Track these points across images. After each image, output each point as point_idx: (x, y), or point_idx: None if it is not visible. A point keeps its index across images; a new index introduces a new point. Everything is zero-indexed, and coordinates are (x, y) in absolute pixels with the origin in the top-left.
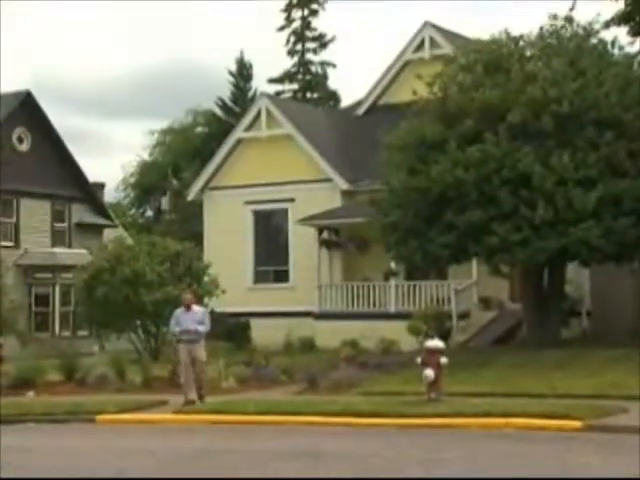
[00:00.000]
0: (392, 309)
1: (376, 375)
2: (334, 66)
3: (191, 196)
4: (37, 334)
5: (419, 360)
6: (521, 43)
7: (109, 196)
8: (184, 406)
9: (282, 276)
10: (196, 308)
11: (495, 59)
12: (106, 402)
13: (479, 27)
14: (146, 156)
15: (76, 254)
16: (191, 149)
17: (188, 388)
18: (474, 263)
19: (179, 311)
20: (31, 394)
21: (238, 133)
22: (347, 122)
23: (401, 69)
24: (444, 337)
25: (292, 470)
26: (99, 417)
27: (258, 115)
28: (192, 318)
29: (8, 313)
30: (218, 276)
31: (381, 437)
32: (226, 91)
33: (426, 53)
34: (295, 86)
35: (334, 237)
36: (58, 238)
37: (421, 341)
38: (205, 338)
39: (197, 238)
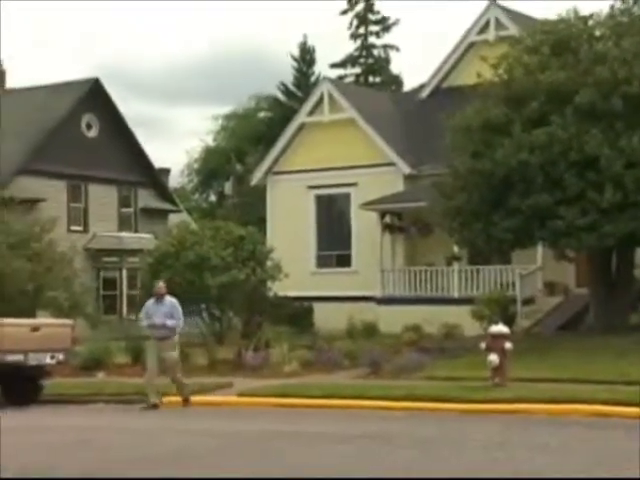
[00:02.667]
0: (455, 294)
1: (439, 360)
2: (397, 49)
3: (254, 181)
4: (105, 317)
5: (483, 345)
6: (590, 22)
7: (174, 181)
8: (144, 409)
9: (345, 260)
10: (167, 299)
11: (563, 39)
12: (172, 384)
13: (546, 7)
14: (210, 141)
15: (142, 238)
16: (254, 134)
17: (150, 390)
18: (539, 247)
19: (150, 302)
20: (101, 375)
21: (301, 118)
22: (410, 106)
23: (465, 51)
24: (508, 322)
25: (356, 452)
26: (166, 399)
27: (321, 100)
28: (161, 311)
29: (78, 296)
30: (281, 260)
31: (444, 422)
32: (289, 76)
33: (491, 35)
34: (357, 70)
35: (397, 221)
36: (125, 223)
37: (485, 326)
38: (178, 333)
39: (260, 223)
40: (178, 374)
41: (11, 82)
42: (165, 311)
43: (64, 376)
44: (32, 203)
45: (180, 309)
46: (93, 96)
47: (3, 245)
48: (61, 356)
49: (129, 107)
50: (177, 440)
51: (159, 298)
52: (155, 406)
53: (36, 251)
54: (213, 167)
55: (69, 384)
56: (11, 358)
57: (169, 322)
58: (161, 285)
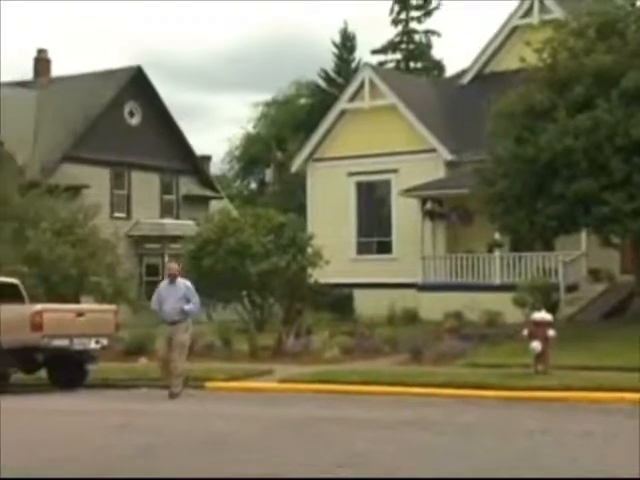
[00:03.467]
0: (497, 281)
1: (481, 347)
2: (438, 35)
3: (295, 168)
4: (147, 303)
5: (525, 332)
6: (638, 4)
7: (215, 168)
8: (170, 396)
9: (385, 247)
10: (180, 282)
11: (609, 22)
12: (214, 370)
13: None
14: (251, 128)
15: (184, 225)
16: (295, 121)
17: (166, 376)
18: (583, 234)
19: (162, 285)
20: (143, 360)
21: (341, 104)
22: (451, 92)
23: (508, 36)
24: (551, 310)
25: (399, 439)
26: (208, 384)
27: (361, 86)
28: (175, 294)
29: (121, 282)
30: (321, 247)
31: (486, 409)
32: (329, 62)
33: (535, 18)
34: (398, 56)
35: (438, 208)
36: (166, 210)
37: (527, 313)
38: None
39: (301, 209)
40: (183, 361)
41: (55, 71)
42: (179, 295)
43: (108, 361)
44: (76, 190)
45: (195, 292)
46: (136, 84)
47: (48, 231)
48: (105, 341)
49: (170, 95)
50: (221, 424)
51: (171, 280)
52: (176, 395)
53: (80, 237)
54: (254, 154)
55: (113, 369)
56: (57, 343)
57: (186, 307)
58: (172, 266)
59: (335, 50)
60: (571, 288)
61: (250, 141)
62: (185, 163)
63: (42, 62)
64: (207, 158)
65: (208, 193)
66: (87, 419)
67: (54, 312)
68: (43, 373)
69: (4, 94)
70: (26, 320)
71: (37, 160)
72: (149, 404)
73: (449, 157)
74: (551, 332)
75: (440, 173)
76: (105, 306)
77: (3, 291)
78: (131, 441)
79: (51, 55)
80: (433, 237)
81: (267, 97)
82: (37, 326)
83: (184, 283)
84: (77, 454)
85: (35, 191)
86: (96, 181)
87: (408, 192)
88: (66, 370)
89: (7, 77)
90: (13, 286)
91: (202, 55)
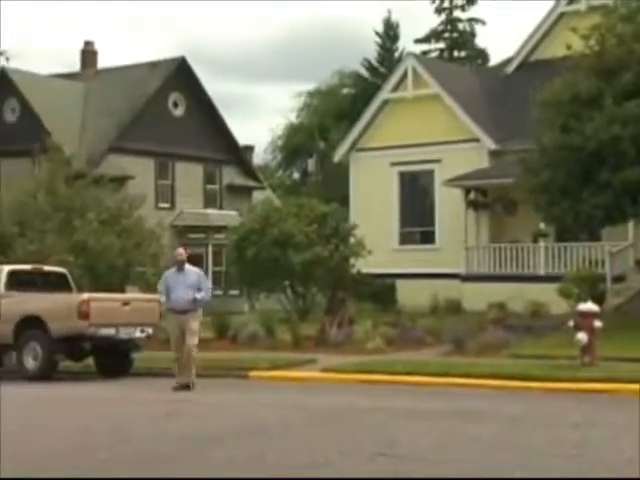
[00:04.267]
0: (541, 271)
1: (525, 338)
2: (483, 23)
3: (337, 158)
4: None
5: (571, 323)
6: None
7: (258, 158)
8: (173, 389)
9: (428, 237)
10: (190, 269)
11: None
12: (258, 359)
13: None
14: (293, 118)
15: (227, 215)
16: (337, 111)
17: (179, 369)
18: (630, 224)
19: (170, 272)
20: None
21: (384, 94)
22: (496, 80)
23: (554, 23)
24: (598, 300)
25: (439, 429)
26: (252, 373)
27: (404, 75)
28: (184, 282)
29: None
30: (364, 237)
31: (531, 400)
32: (372, 52)
33: (582, 4)
34: (442, 45)
35: (481, 198)
36: (210, 200)
37: (573, 304)
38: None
39: (343, 199)
40: (194, 351)
41: (102, 62)
42: (189, 282)
43: (152, 350)
44: (121, 180)
45: (208, 279)
46: (180, 75)
47: (95, 221)
48: (150, 330)
49: (214, 85)
50: (265, 413)
51: (180, 267)
52: (187, 386)
53: (125, 227)
54: (296, 144)
55: (157, 358)
56: (103, 332)
57: (197, 295)
58: (181, 251)
59: (378, 39)
60: (618, 279)
61: (293, 131)
62: (228, 153)
63: (89, 54)
64: (250, 148)
65: (251, 183)
66: (132, 408)
67: (100, 301)
68: (90, 361)
69: (52, 86)
70: (73, 309)
71: (84, 151)
72: (193, 393)
73: (493, 146)
74: (597, 323)
75: (484, 163)
76: (150, 295)
77: (52, 280)
78: (176, 430)
79: (97, 47)
80: (476, 227)
81: (310, 87)
82: (84, 315)
83: (194, 270)
84: (120, 442)
85: (81, 182)
86: (141, 172)
87: (451, 182)
88: (112, 358)
89: (55, 69)
90: (62, 275)
91: (246, 46)
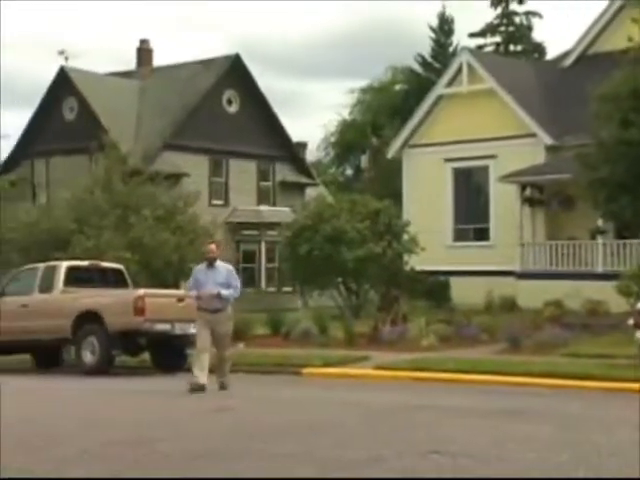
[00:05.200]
0: (599, 269)
1: (582, 337)
2: (540, 16)
3: (390, 154)
4: (245, 289)
5: (630, 322)
6: None
7: (311, 155)
8: (190, 390)
9: (482, 234)
10: (221, 265)
11: None
12: (311, 356)
13: None
14: (346, 115)
15: (280, 212)
16: (390, 107)
17: (199, 369)
18: None
19: (199, 268)
20: (242, 346)
21: (438, 89)
22: (553, 74)
23: (615, 14)
24: None
25: (493, 427)
26: (305, 370)
27: (459, 70)
28: (214, 279)
29: None
30: (417, 234)
31: (588, 400)
32: (426, 47)
33: None
34: (498, 39)
35: (537, 194)
36: (263, 197)
37: (632, 303)
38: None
39: (396, 196)
40: (228, 351)
41: (157, 60)
42: (220, 279)
43: None
44: (176, 178)
45: (237, 276)
46: (234, 72)
47: (150, 218)
48: None
49: (267, 82)
50: (319, 410)
51: (210, 263)
52: (202, 388)
53: (180, 224)
54: (349, 140)
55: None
56: (159, 327)
57: (225, 292)
58: (212, 247)
59: (432, 34)
60: None
61: (346, 127)
62: (281, 150)
63: (144, 52)
64: (303, 145)
65: (304, 180)
66: (185, 402)
67: (156, 297)
68: (146, 356)
69: (109, 85)
70: (129, 305)
71: (139, 148)
72: (246, 389)
73: (550, 142)
74: None
75: (540, 158)
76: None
77: (109, 276)
78: (229, 425)
79: (153, 45)
80: (532, 224)
81: (363, 83)
82: (140, 310)
83: (224, 266)
84: (176, 436)
85: (137, 179)
86: (195, 169)
87: (507, 178)
88: (167, 354)
89: (112, 68)
90: (118, 272)
91: (299, 42)
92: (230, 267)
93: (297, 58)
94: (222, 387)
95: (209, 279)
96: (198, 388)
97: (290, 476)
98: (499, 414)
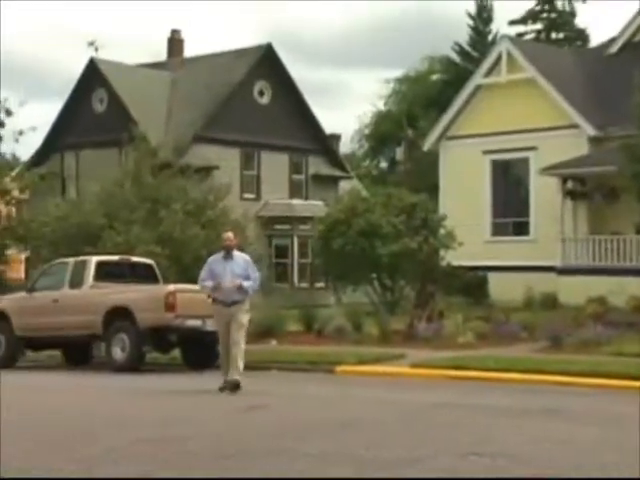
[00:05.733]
0: None
1: (627, 335)
2: (583, 1)
3: (427, 146)
4: (277, 285)
5: None
6: None
7: (344, 147)
8: (220, 389)
9: (522, 228)
10: (238, 255)
11: None
12: (345, 353)
13: None
14: (381, 106)
15: (313, 206)
16: (427, 97)
17: (230, 366)
18: None
19: (214, 258)
20: (274, 342)
21: (477, 79)
22: (597, 62)
23: None
24: None
25: (534, 427)
26: (338, 368)
27: (498, 59)
28: (232, 270)
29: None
30: (454, 229)
31: (633, 400)
32: (464, 35)
33: None
34: (539, 26)
35: (580, 187)
36: (295, 190)
37: None
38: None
39: (432, 189)
40: (242, 345)
41: (188, 51)
42: (238, 271)
43: None
44: (207, 171)
45: (255, 267)
46: (266, 62)
47: (180, 212)
48: None
49: (299, 73)
50: (353, 408)
51: (227, 253)
52: (237, 385)
53: (210, 218)
54: (384, 132)
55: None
56: (190, 323)
57: (245, 283)
58: (229, 235)
59: (470, 22)
60: None
61: (381, 119)
62: (314, 142)
63: (175, 42)
64: (336, 137)
65: (337, 173)
66: (217, 400)
67: (186, 292)
68: (177, 353)
69: (139, 76)
70: (160, 300)
71: (170, 141)
72: (279, 387)
73: (593, 133)
74: None
75: (583, 150)
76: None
77: (139, 271)
78: (262, 423)
79: (184, 35)
80: (574, 218)
81: (398, 73)
82: (170, 306)
83: (242, 256)
84: (207, 434)
85: (167, 172)
86: (226, 162)
87: (548, 170)
88: (198, 350)
89: (142, 59)
90: (149, 267)
91: (332, 31)
92: (247, 257)
93: (331, 47)
94: (236, 387)
95: (226, 270)
96: (232, 386)
97: (325, 476)
98: (539, 414)
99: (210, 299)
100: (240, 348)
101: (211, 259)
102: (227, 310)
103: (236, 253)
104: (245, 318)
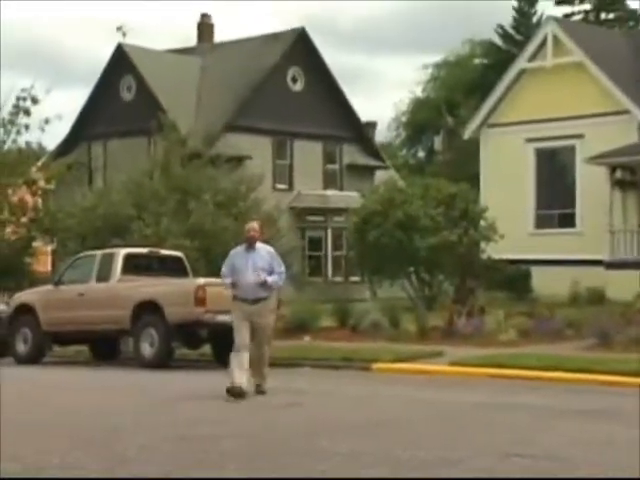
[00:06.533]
0: None
1: None
2: None
3: (467, 134)
4: (310, 279)
5: None
6: None
7: (380, 136)
8: (228, 395)
9: (567, 220)
10: (262, 247)
11: None
12: (381, 350)
13: None
14: (419, 92)
15: (347, 197)
16: (467, 83)
17: (238, 370)
18: None
19: (236, 251)
20: (307, 338)
21: (520, 63)
22: None
23: None
24: None
25: (579, 429)
26: (375, 365)
27: (544, 42)
28: (254, 263)
29: (284, 257)
30: (496, 220)
31: None
32: (507, 17)
33: None
34: (587, 6)
35: (629, 177)
36: (329, 180)
37: None
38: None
39: (473, 179)
40: (268, 349)
41: (219, 36)
42: (261, 264)
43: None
44: (238, 160)
45: (281, 261)
46: (299, 48)
47: (210, 203)
48: None
49: (334, 58)
50: (389, 407)
51: (250, 245)
52: (240, 391)
53: (242, 210)
54: (422, 120)
55: (275, 347)
56: (220, 318)
57: (269, 279)
58: (253, 225)
59: (514, 3)
60: None
61: (418, 106)
62: (349, 131)
63: (205, 27)
64: (372, 125)
65: (373, 162)
66: (250, 398)
67: (217, 286)
68: (207, 349)
69: (168, 62)
70: (190, 295)
71: (200, 129)
72: (313, 384)
73: None
74: None
75: (633, 137)
76: None
77: (168, 265)
78: (296, 421)
79: (214, 20)
80: (623, 209)
81: (437, 58)
82: (200, 301)
83: (266, 249)
84: (241, 433)
85: (197, 162)
86: (258, 151)
87: (595, 159)
88: (229, 347)
89: (171, 45)
90: (178, 260)
91: (367, 15)
92: (272, 249)
93: (366, 31)
94: (259, 391)
95: (248, 264)
96: (237, 393)
97: (361, 477)
98: (585, 415)
99: (231, 296)
100: (263, 353)
101: (233, 252)
102: (249, 308)
103: (259, 245)
104: (270, 318)
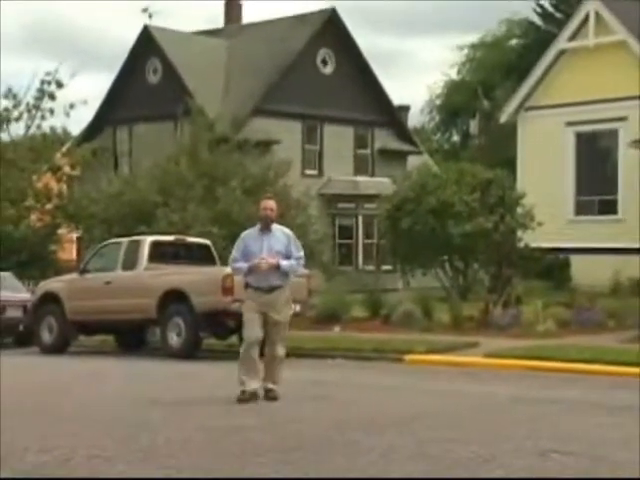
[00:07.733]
0: None
1: None
2: None
3: (504, 118)
4: (341, 267)
5: None
6: None
7: (413, 120)
8: (238, 401)
9: (609, 207)
10: (278, 229)
11: None
12: (414, 341)
13: None
14: (454, 74)
15: (379, 183)
16: (504, 64)
17: (248, 370)
18: None
19: (249, 232)
20: (337, 329)
21: (560, 43)
22: None
23: None
24: None
25: (621, 425)
26: (407, 357)
27: (585, 21)
28: (269, 246)
29: (313, 245)
30: (533, 207)
31: None
32: None
33: None
34: None
35: None
36: (360, 165)
37: None
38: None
39: (510, 164)
40: (282, 347)
41: (246, 17)
42: (277, 247)
43: (300, 329)
44: (266, 145)
45: (299, 244)
46: (329, 29)
47: (238, 189)
48: (297, 307)
49: (365, 40)
50: (423, 400)
51: (266, 225)
52: (254, 396)
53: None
54: (457, 103)
55: (305, 337)
56: None
57: (285, 263)
58: (270, 203)
59: None
60: None
61: (453, 89)
62: (381, 114)
63: (233, 8)
64: (405, 109)
65: (406, 147)
66: (279, 389)
67: None
68: (234, 339)
69: (195, 44)
70: (217, 283)
71: (227, 113)
72: (344, 376)
73: None
74: None
75: None
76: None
77: (195, 252)
78: (327, 414)
79: (242, 0)
80: None
81: (473, 39)
82: (228, 290)
83: (282, 230)
84: (261, 425)
85: (225, 147)
86: (287, 135)
87: (639, 143)
88: None
89: (198, 26)
90: (205, 247)
91: None
92: (289, 231)
93: (399, 11)
94: (270, 397)
95: (263, 247)
96: (248, 397)
97: (394, 473)
98: (628, 410)
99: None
100: (277, 354)
101: (244, 234)
102: (263, 297)
103: (275, 226)
104: (286, 312)
